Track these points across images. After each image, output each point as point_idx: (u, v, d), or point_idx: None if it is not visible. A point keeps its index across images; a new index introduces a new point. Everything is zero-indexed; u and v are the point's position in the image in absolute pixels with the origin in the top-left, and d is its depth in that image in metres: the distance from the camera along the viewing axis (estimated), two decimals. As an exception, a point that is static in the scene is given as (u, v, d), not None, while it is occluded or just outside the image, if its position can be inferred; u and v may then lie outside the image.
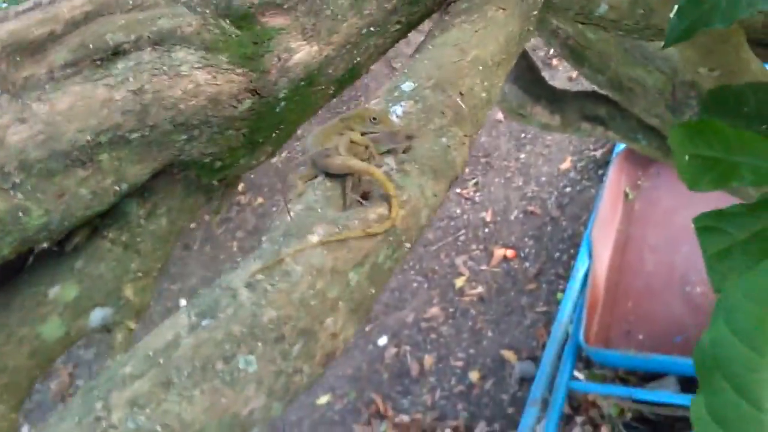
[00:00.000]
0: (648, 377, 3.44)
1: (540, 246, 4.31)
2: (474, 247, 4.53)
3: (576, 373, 3.47)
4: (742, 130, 1.27)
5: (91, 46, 0.96)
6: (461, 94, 1.11)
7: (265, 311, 0.80)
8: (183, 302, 4.67)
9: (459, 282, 4.41)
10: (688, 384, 3.33)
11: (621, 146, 3.87)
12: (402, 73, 1.13)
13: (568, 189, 4.46)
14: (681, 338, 3.35)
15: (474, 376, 3.96)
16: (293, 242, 0.86)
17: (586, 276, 3.59)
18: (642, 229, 3.75)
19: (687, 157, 1.32)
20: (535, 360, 3.88)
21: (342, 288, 0.85)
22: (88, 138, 0.94)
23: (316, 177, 0.98)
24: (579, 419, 3.58)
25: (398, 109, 1.05)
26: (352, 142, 0.98)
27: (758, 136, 1.25)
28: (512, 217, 4.52)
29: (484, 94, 1.15)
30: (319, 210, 0.91)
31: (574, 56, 2.39)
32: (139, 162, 1.00)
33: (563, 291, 3.95)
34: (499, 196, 4.72)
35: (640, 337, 3.44)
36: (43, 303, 1.03)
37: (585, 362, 3.64)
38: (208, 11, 1.05)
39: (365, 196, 0.96)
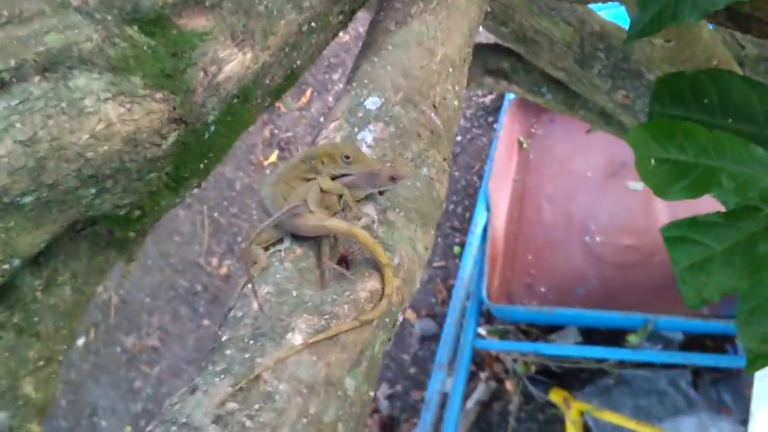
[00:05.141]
0: (550, 329, 3.42)
1: (432, 198, 4.17)
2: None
3: (478, 329, 3.40)
4: (717, 132, 1.13)
5: (-45, 79, 0.68)
6: (434, 107, 0.90)
7: (248, 459, 0.58)
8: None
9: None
10: (589, 334, 3.34)
11: (512, 93, 3.75)
12: (362, 84, 0.91)
13: (458, 138, 4.32)
14: (583, 290, 3.33)
15: (374, 337, 3.83)
16: (269, 346, 0.64)
17: (485, 230, 3.48)
18: (538, 179, 3.66)
19: (652, 161, 1.18)
20: (435, 317, 3.79)
21: (339, 404, 0.64)
22: (-36, 211, 0.68)
23: (280, 241, 0.75)
24: (483, 375, 3.54)
25: (368, 137, 0.84)
26: (322, 191, 0.76)
27: (738, 138, 1.12)
28: (402, 169, 4.34)
29: (456, 102, 0.95)
30: (294, 292, 0.69)
31: (477, 8, 2.21)
32: (35, 229, 0.74)
33: (460, 245, 3.86)
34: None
35: (542, 290, 3.39)
36: None
37: (486, 317, 3.57)
38: (109, 17, 0.79)
39: (343, 259, 0.75)
